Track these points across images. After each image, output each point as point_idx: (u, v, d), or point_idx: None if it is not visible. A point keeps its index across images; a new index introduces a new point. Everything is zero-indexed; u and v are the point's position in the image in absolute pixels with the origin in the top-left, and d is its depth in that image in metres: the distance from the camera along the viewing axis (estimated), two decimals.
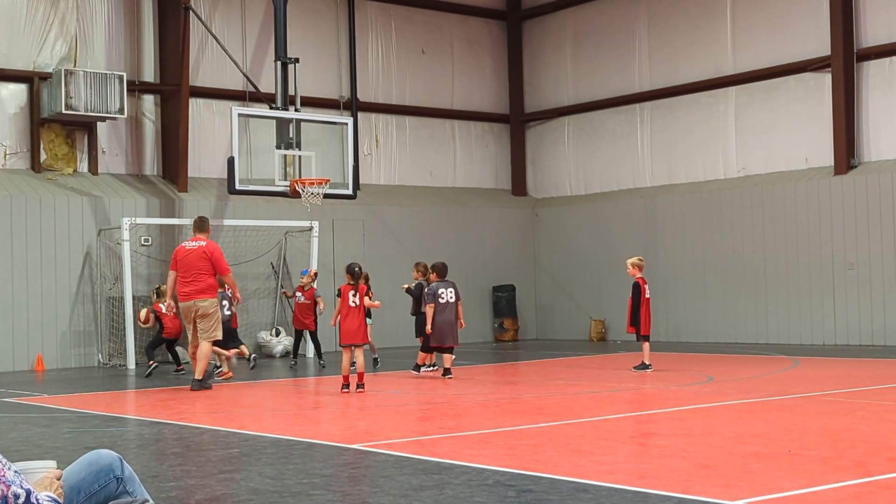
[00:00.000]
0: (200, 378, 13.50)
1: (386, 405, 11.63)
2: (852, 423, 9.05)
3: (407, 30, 23.65)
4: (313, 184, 17.74)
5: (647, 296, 14.98)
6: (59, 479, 3.95)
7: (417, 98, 23.77)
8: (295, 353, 17.75)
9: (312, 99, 20.92)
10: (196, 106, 20.51)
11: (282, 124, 18.32)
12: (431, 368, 15.09)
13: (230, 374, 15.25)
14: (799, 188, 19.89)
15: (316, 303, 17.25)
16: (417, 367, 14.88)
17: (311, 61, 21.37)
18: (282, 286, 20.32)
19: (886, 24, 19.19)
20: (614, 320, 22.16)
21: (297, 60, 18.88)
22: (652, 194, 22.45)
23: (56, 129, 19.12)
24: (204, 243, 13.76)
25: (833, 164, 19.54)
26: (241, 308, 19.59)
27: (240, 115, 17.85)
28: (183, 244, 14.13)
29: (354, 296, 12.86)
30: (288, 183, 17.97)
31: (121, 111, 18.77)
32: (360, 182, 21.64)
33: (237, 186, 17.62)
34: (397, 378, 14.89)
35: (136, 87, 19.85)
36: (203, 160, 20.55)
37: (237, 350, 16.19)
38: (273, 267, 20.63)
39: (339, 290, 13.04)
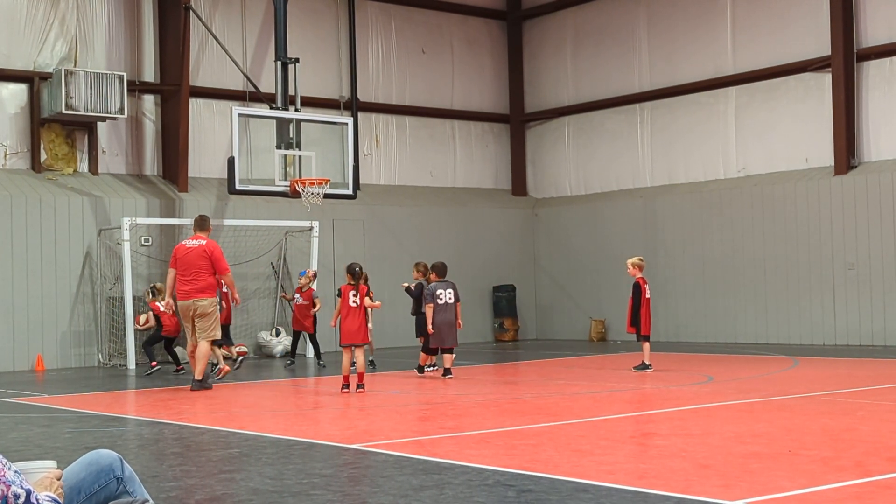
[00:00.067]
0: (200, 378, 13.49)
1: (386, 405, 11.64)
2: (852, 423, 9.06)
3: (407, 30, 23.66)
4: (313, 184, 17.74)
5: (648, 296, 14.98)
6: (59, 479, 3.95)
7: (417, 98, 23.77)
8: (292, 353, 17.72)
9: (312, 99, 20.92)
10: (196, 106, 20.51)
11: (282, 124, 18.32)
12: (432, 368, 15.09)
13: (226, 368, 15.18)
14: (799, 188, 19.89)
15: (313, 303, 17.26)
16: (421, 369, 14.84)
17: (311, 61, 21.37)
18: (282, 286, 20.32)
19: (886, 24, 19.19)
20: (614, 320, 22.17)
21: (297, 60, 18.89)
22: (652, 194, 22.45)
23: (56, 129, 19.12)
24: (204, 242, 13.74)
25: (833, 164, 19.54)
26: (241, 308, 19.60)
27: (240, 115, 17.86)
28: (183, 242, 14.10)
29: (355, 296, 12.86)
30: (288, 183, 17.97)
31: (121, 111, 18.77)
32: (361, 182, 21.65)
33: (237, 186, 17.62)
34: (397, 378, 14.89)
35: (137, 87, 19.85)
36: (203, 160, 20.55)
37: (224, 347, 16.22)
38: (273, 267, 20.63)
39: (340, 290, 13.04)
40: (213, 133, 20.75)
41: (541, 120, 24.94)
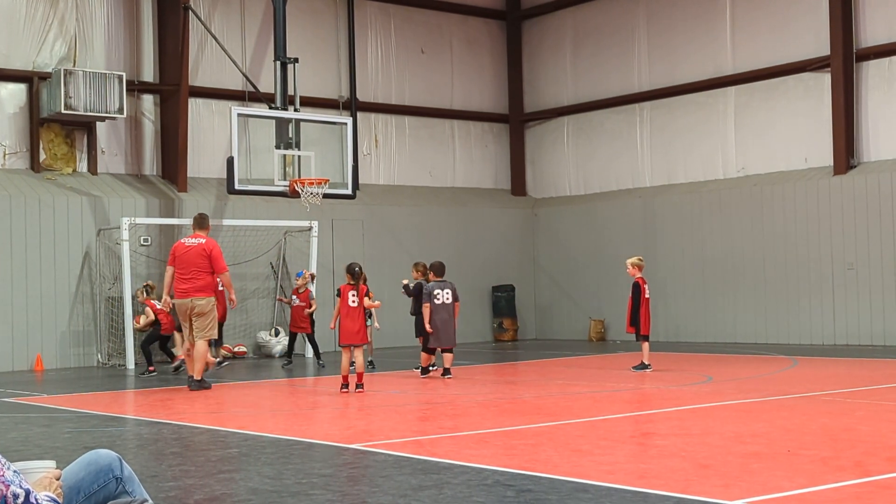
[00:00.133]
0: (199, 378, 13.49)
1: (385, 405, 11.64)
2: (851, 422, 9.06)
3: (406, 29, 23.65)
4: (313, 184, 17.74)
5: (647, 296, 14.98)
6: (58, 479, 3.95)
7: (417, 98, 23.77)
8: (289, 354, 17.69)
9: (312, 99, 20.91)
10: (195, 106, 20.50)
11: (281, 124, 18.32)
12: (432, 368, 15.08)
13: (183, 356, 15.32)
14: (798, 188, 19.89)
15: (310, 304, 17.25)
16: (424, 370, 14.80)
17: (311, 61, 21.37)
18: (281, 287, 20.31)
19: (886, 24, 19.19)
20: (614, 320, 22.17)
21: (296, 60, 18.88)
22: (651, 194, 22.45)
23: (55, 128, 19.11)
24: (204, 241, 13.70)
25: (832, 163, 19.54)
26: (241, 308, 19.61)
27: (239, 114, 17.85)
28: (182, 240, 14.04)
29: (354, 296, 12.86)
30: (287, 183, 17.97)
31: (120, 111, 18.77)
32: (360, 182, 21.64)
33: (236, 186, 17.62)
34: (397, 378, 14.89)
35: (136, 87, 19.84)
36: (202, 160, 20.55)
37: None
38: (272, 267, 20.62)
39: (339, 290, 13.03)
40: (213, 133, 20.75)
41: (540, 120, 24.94)
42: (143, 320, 17.03)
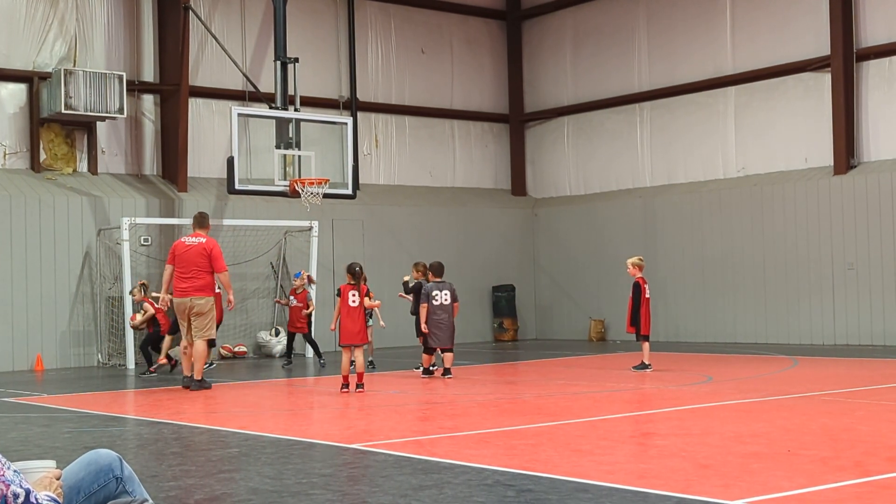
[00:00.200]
0: (199, 378, 13.49)
1: (385, 405, 11.64)
2: (851, 422, 9.06)
3: (406, 29, 23.66)
4: (313, 183, 17.74)
5: (647, 296, 14.98)
6: (58, 479, 3.95)
7: (417, 98, 23.77)
8: (289, 354, 17.68)
9: (312, 99, 20.91)
10: (196, 106, 20.51)
11: (281, 124, 18.32)
12: (433, 368, 15.08)
13: (163, 361, 15.33)
14: (798, 188, 19.89)
15: (307, 305, 17.25)
16: (426, 371, 14.79)
17: (311, 61, 21.37)
18: (281, 286, 20.31)
19: (886, 24, 19.19)
20: (614, 320, 22.17)
21: (296, 60, 18.88)
22: (651, 194, 22.45)
23: (55, 128, 19.11)
24: (204, 240, 13.67)
25: (833, 163, 19.54)
26: (241, 308, 19.61)
27: (239, 114, 17.85)
28: (182, 239, 14.00)
29: (355, 296, 12.85)
30: (287, 183, 17.96)
31: (120, 111, 18.77)
32: (360, 182, 21.64)
33: (237, 186, 17.61)
34: (397, 378, 14.89)
35: (136, 87, 19.85)
36: (203, 160, 20.55)
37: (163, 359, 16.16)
38: (272, 267, 20.63)
39: (339, 289, 13.03)
40: (213, 133, 20.75)
41: (540, 120, 24.94)
42: (139, 318, 16.94)
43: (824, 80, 19.76)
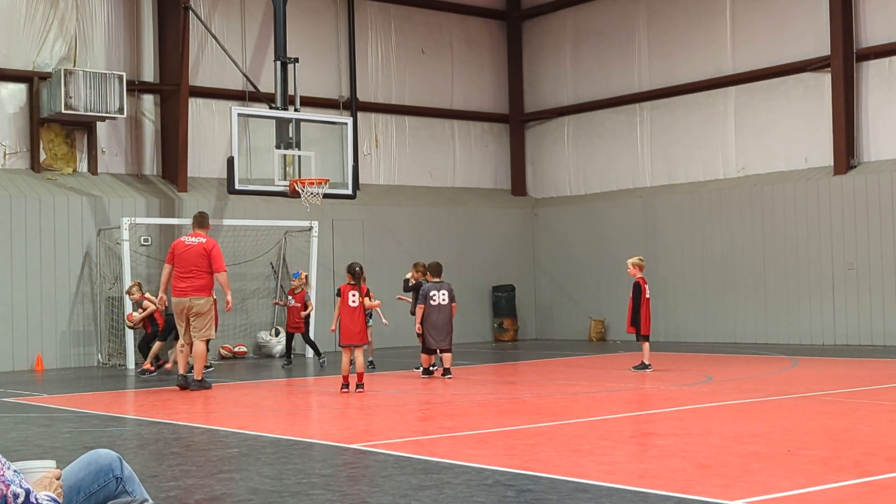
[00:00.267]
0: (199, 378, 13.49)
1: (385, 405, 11.64)
2: (851, 422, 9.06)
3: (407, 30, 23.65)
4: (313, 184, 17.74)
5: (648, 296, 14.98)
6: (58, 479, 3.95)
7: (417, 98, 23.77)
8: (288, 354, 17.68)
9: (312, 99, 20.91)
10: (196, 106, 20.51)
11: (281, 124, 18.32)
12: (433, 368, 15.08)
13: (148, 367, 15.28)
14: (798, 188, 19.89)
15: (305, 305, 17.25)
16: (426, 371, 14.79)
17: (311, 61, 21.37)
18: (281, 286, 20.31)
19: (886, 24, 19.19)
20: (614, 320, 22.16)
21: (296, 60, 18.88)
22: (651, 194, 22.45)
23: (56, 128, 19.11)
24: (204, 240, 13.65)
25: (833, 164, 19.54)
26: (241, 308, 19.61)
27: (239, 114, 17.85)
28: (182, 239, 13.99)
29: (355, 296, 12.85)
30: (287, 183, 17.96)
31: (120, 111, 18.77)
32: (360, 182, 21.64)
33: (237, 186, 17.61)
34: (397, 378, 14.89)
35: (136, 87, 19.85)
36: (203, 160, 20.55)
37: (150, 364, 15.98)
38: (272, 267, 20.62)
39: (339, 289, 13.03)
40: (213, 133, 20.75)
41: (540, 120, 24.94)
42: (137, 315, 16.81)
43: (824, 80, 19.76)
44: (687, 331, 21.49)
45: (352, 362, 12.81)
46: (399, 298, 16.24)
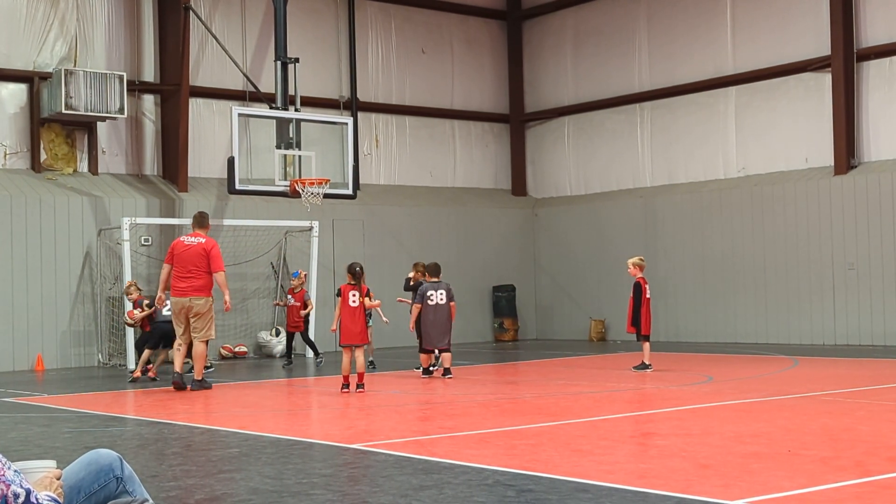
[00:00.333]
0: (199, 378, 13.49)
1: (386, 405, 11.64)
2: (852, 422, 9.06)
3: (407, 29, 23.65)
4: (313, 184, 17.74)
5: (648, 296, 14.98)
6: (58, 479, 3.95)
7: (417, 98, 23.77)
8: (289, 354, 17.70)
9: (312, 99, 20.92)
10: (196, 106, 20.51)
11: (282, 124, 18.32)
12: (433, 368, 15.08)
13: (137, 374, 15.18)
14: (799, 188, 19.89)
15: (305, 304, 17.25)
16: (426, 371, 14.79)
17: (311, 61, 21.37)
18: (281, 286, 20.31)
19: (886, 24, 19.18)
20: (614, 320, 22.16)
21: (297, 60, 18.88)
22: (652, 194, 22.45)
23: (56, 128, 19.12)
24: (203, 240, 13.65)
25: (833, 164, 19.54)
26: (241, 308, 19.61)
27: (240, 114, 17.85)
28: (181, 238, 13.98)
29: (355, 296, 12.86)
30: (288, 183, 17.96)
31: (121, 111, 18.77)
32: (360, 182, 21.64)
33: (237, 186, 17.61)
34: (397, 378, 14.89)
35: (136, 87, 19.85)
36: (203, 160, 20.55)
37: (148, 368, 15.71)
38: (273, 267, 20.63)
39: (340, 289, 13.04)
40: (213, 133, 20.75)
41: (541, 120, 24.94)
42: (137, 314, 16.73)
43: (825, 80, 19.76)
44: (687, 331, 21.49)
45: (352, 362, 12.81)
46: (399, 301, 16.23)
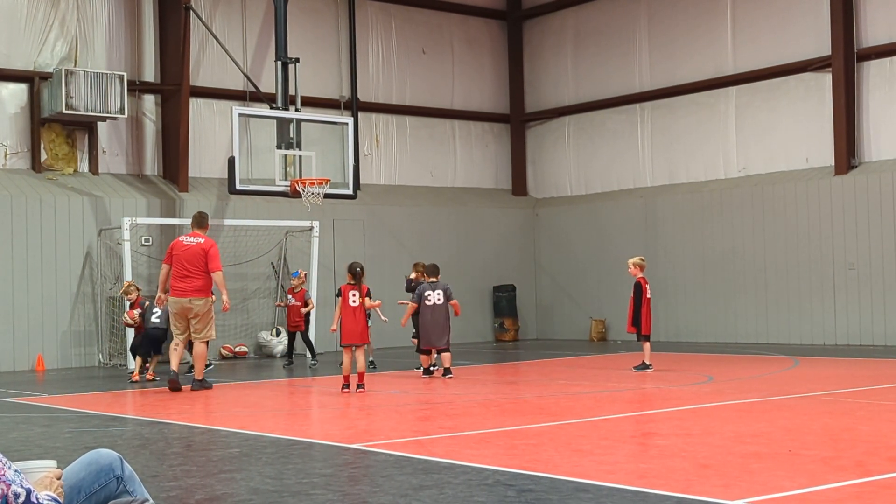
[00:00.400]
0: (200, 378, 13.49)
1: (386, 405, 11.64)
2: (852, 422, 9.05)
3: (407, 29, 23.66)
4: (314, 184, 17.74)
5: (649, 296, 14.98)
6: (59, 479, 3.96)
7: (417, 98, 23.77)
8: (290, 354, 17.71)
9: (313, 99, 20.92)
10: (196, 106, 20.51)
11: (282, 124, 18.32)
12: (433, 368, 15.08)
13: (135, 376, 15.13)
14: (799, 188, 19.89)
15: (306, 303, 17.25)
16: (426, 371, 14.78)
17: (312, 61, 21.37)
18: (282, 286, 20.31)
19: (886, 24, 19.18)
20: (614, 320, 22.16)
21: (297, 60, 18.89)
22: (652, 194, 22.45)
23: (56, 128, 19.12)
24: (202, 240, 13.64)
25: (833, 163, 19.54)
26: (241, 308, 19.61)
27: (240, 114, 17.85)
28: (180, 238, 13.97)
29: (355, 296, 12.86)
30: (288, 183, 17.97)
31: (121, 111, 18.77)
32: (361, 182, 21.64)
33: (238, 186, 17.62)
34: (397, 378, 14.89)
35: (137, 87, 19.85)
36: (203, 160, 20.55)
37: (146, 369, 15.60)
38: (273, 267, 20.63)
39: (340, 289, 13.04)
40: (214, 133, 20.75)
41: (541, 120, 24.94)
42: (137, 315, 16.67)
43: (825, 80, 19.76)
44: (688, 331, 21.49)
45: (353, 362, 12.81)
46: (400, 303, 16.22)
